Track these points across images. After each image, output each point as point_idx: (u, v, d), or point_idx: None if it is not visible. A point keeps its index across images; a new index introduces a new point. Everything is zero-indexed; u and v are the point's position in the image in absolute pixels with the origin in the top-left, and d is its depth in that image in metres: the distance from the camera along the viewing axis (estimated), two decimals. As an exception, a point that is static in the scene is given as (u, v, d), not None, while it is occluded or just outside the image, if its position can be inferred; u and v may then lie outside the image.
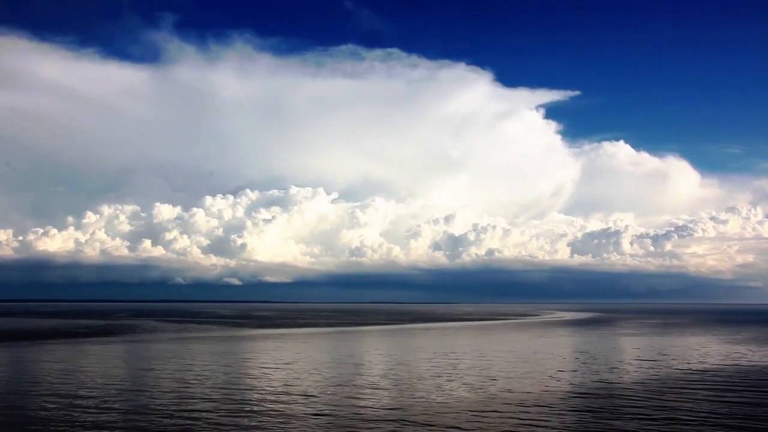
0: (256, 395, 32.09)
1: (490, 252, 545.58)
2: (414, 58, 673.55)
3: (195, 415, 27.07)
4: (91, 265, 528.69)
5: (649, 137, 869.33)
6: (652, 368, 43.90)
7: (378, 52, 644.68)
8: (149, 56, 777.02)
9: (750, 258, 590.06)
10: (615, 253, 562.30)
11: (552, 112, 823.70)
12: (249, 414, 27.30)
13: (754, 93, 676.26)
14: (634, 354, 55.15)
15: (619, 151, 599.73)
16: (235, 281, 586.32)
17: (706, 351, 58.43)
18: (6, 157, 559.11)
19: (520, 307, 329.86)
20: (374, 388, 34.43)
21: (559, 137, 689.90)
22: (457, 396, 32.00)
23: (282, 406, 29.22)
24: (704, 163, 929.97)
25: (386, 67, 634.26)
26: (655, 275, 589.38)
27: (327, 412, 27.89)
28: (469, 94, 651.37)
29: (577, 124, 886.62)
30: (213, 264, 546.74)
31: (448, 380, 37.53)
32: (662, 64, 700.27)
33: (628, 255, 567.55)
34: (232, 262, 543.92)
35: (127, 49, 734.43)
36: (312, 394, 32.51)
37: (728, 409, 28.47)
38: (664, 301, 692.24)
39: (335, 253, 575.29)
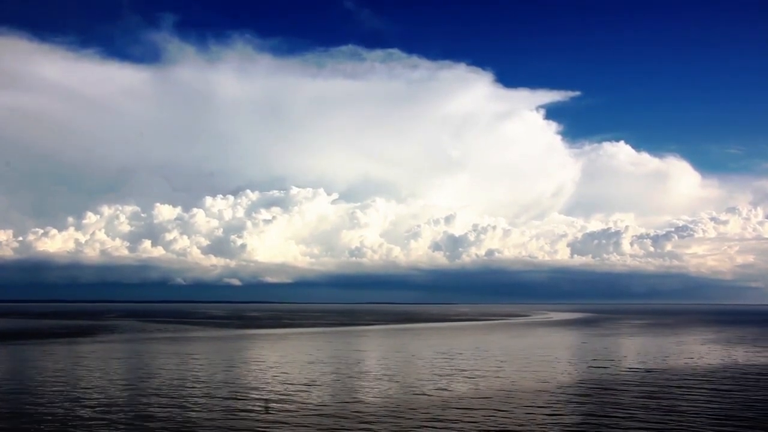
0: (188, 392, 32.49)
1: (490, 252, 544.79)
2: (414, 59, 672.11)
3: (109, 410, 27.56)
4: (91, 266, 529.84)
5: (649, 137, 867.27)
6: (601, 368, 44.23)
7: (378, 53, 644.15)
8: (149, 56, 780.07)
9: (750, 258, 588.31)
10: (615, 254, 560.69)
11: (552, 112, 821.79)
12: (160, 407, 27.73)
13: (754, 93, 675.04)
14: (595, 354, 55.38)
15: (620, 152, 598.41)
16: (235, 282, 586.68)
17: (670, 351, 58.70)
18: (6, 157, 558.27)
19: (516, 308, 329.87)
20: (312, 386, 34.89)
21: (559, 138, 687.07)
22: (385, 394, 32.48)
23: (209, 401, 29.64)
24: (705, 164, 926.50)
25: (387, 67, 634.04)
26: (655, 276, 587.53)
27: (248, 408, 28.28)
28: (469, 95, 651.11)
29: (577, 124, 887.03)
30: (213, 264, 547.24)
31: (392, 380, 38.00)
32: (662, 64, 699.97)
33: (628, 255, 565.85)
34: (232, 263, 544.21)
35: (128, 50, 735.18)
36: (244, 391, 32.94)
37: (638, 411, 28.76)
38: (665, 301, 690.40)
39: (335, 254, 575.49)
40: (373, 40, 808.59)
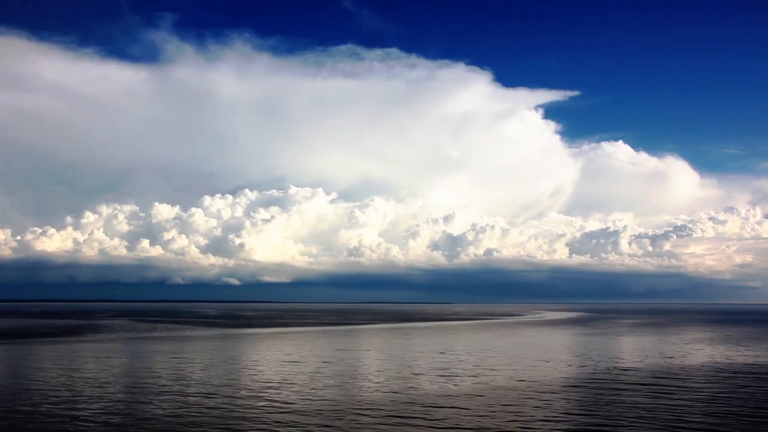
0: (156, 389, 32.67)
1: (488, 252, 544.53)
2: (413, 58, 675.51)
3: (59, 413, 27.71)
4: (89, 265, 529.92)
5: (648, 137, 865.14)
6: (576, 367, 44.49)
7: (377, 52, 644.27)
8: (148, 56, 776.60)
9: (749, 258, 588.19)
10: (613, 253, 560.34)
11: (551, 112, 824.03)
12: (125, 403, 27.90)
13: (754, 93, 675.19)
14: (575, 353, 55.64)
15: (618, 151, 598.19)
16: (234, 281, 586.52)
17: (651, 351, 58.99)
18: (6, 157, 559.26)
19: (512, 308, 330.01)
20: (282, 384, 35.08)
21: (558, 137, 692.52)
22: (353, 392, 32.74)
23: (174, 398, 29.80)
24: (703, 164, 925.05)
25: (386, 66, 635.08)
26: (653, 275, 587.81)
27: (213, 405, 28.44)
28: (468, 94, 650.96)
29: (576, 124, 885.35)
30: (211, 264, 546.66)
31: (365, 378, 38.23)
32: (662, 64, 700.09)
33: (626, 255, 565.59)
34: (231, 262, 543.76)
35: (127, 49, 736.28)
36: (214, 388, 33.05)
37: (595, 410, 28.91)
38: (663, 301, 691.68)
39: (334, 253, 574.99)
40: (372, 39, 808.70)
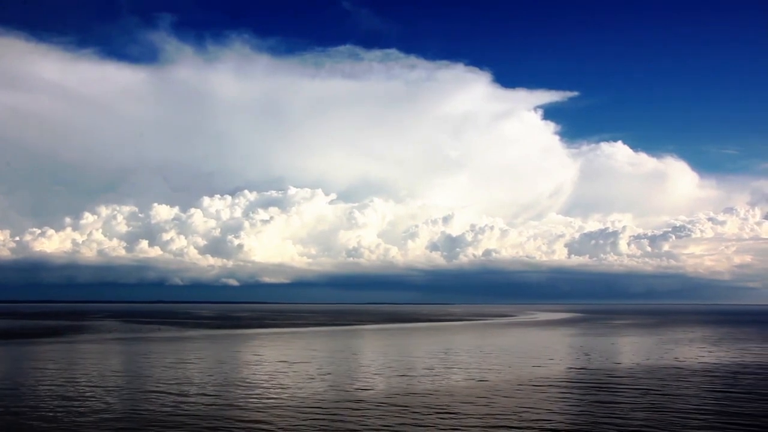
0: (109, 389, 33.03)
1: (487, 252, 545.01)
2: (412, 59, 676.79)
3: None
4: (88, 266, 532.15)
5: (647, 138, 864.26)
6: (541, 367, 44.68)
7: (376, 53, 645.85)
8: (147, 56, 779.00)
9: (748, 258, 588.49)
10: (612, 254, 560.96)
11: (550, 112, 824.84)
12: (77, 400, 28.27)
13: (753, 94, 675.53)
14: (548, 353, 55.81)
15: (618, 152, 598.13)
16: (233, 282, 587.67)
17: (624, 351, 59.39)
18: (5, 157, 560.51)
19: (508, 308, 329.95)
20: (239, 384, 35.37)
21: (557, 138, 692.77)
22: (304, 392, 33.03)
23: (101, 397, 30.16)
24: (702, 164, 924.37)
25: (385, 67, 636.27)
26: (652, 276, 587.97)
27: (133, 409, 28.79)
28: (467, 95, 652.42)
29: (575, 124, 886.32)
30: (210, 265, 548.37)
31: (323, 379, 38.62)
32: (661, 64, 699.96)
33: (625, 255, 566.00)
34: (230, 263, 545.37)
35: (125, 50, 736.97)
36: (168, 387, 33.37)
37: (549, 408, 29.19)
38: (662, 301, 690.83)
39: (333, 254, 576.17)
40: (371, 40, 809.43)
